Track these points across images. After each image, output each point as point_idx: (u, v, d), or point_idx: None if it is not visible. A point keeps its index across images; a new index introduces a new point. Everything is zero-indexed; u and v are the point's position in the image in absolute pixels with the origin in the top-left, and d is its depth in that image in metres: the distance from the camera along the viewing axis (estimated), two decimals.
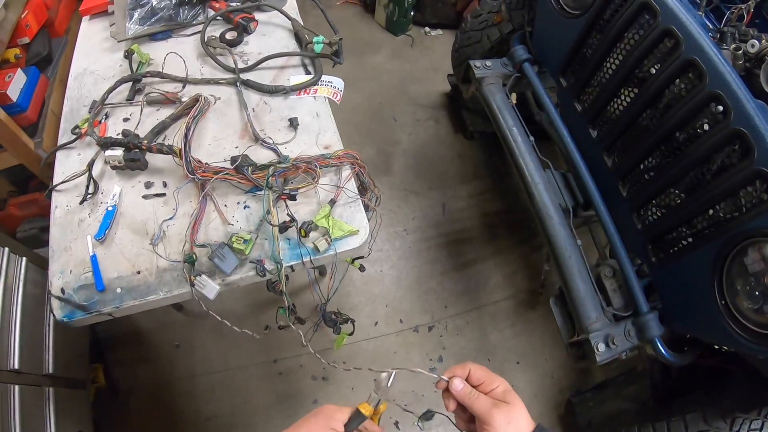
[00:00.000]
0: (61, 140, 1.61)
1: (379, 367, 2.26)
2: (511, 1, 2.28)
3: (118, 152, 1.45)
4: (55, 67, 2.25)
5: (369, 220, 1.46)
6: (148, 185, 1.48)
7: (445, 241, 2.79)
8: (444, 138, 3.16)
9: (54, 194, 1.49)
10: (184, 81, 1.70)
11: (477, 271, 2.74)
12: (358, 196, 1.48)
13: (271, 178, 1.37)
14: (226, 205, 1.44)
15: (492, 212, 2.93)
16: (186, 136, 1.40)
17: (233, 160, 1.43)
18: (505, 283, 2.73)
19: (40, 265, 1.91)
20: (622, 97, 1.73)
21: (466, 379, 0.91)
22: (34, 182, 2.34)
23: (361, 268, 1.51)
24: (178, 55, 1.74)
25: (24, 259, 1.81)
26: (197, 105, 1.50)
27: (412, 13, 3.60)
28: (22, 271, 1.78)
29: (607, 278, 1.75)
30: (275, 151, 1.53)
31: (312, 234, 1.35)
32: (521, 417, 0.86)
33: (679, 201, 1.57)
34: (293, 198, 1.38)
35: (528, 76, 2.08)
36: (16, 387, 1.59)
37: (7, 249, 1.73)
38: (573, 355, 1.76)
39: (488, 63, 2.16)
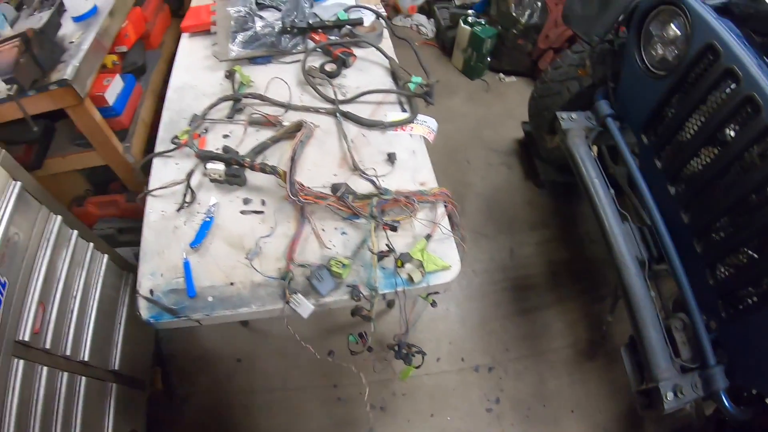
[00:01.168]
0: (159, 148, 1.58)
1: (438, 403, 2.14)
2: (596, 57, 2.20)
3: (220, 166, 1.43)
4: (148, 77, 2.26)
5: None
6: (246, 201, 1.45)
7: (510, 285, 2.67)
8: (515, 184, 3.06)
9: (149, 199, 1.46)
10: (286, 106, 1.67)
11: (539, 317, 2.60)
12: (451, 233, 1.42)
13: (374, 208, 1.33)
14: (323, 230, 1.39)
15: (557, 260, 2.79)
16: (292, 159, 1.36)
17: (335, 188, 1.39)
18: (565, 331, 2.57)
19: (120, 265, 1.89)
20: (703, 157, 1.65)
21: None
22: (114, 184, 2.33)
23: (433, 304, 1.45)
24: (282, 80, 1.72)
25: (106, 256, 1.78)
26: (302, 131, 1.46)
27: (488, 59, 3.55)
28: (103, 268, 1.75)
29: (678, 331, 1.67)
30: (374, 183, 1.47)
31: (407, 265, 1.30)
32: None
33: (753, 260, 1.49)
34: (394, 229, 1.34)
35: (611, 131, 1.99)
36: (83, 378, 1.56)
37: (92, 245, 1.70)
38: (640, 403, 1.69)
39: (574, 116, 2.09)
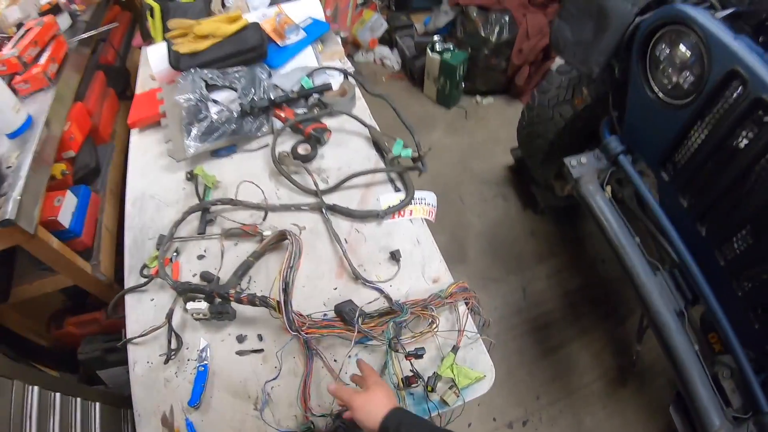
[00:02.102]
0: (129, 280, 1.33)
1: None
2: (594, 85, 1.96)
3: (203, 305, 1.18)
4: (104, 178, 1.94)
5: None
6: (240, 339, 1.20)
7: (529, 327, 2.43)
8: (514, 216, 2.81)
9: (130, 347, 1.21)
10: (263, 208, 1.40)
11: (564, 354, 2.39)
12: (479, 335, 1.23)
13: (391, 334, 1.11)
14: (335, 360, 1.16)
15: (572, 290, 2.56)
16: (285, 290, 1.09)
17: (339, 310, 1.15)
18: (593, 363, 2.37)
19: (115, 403, 1.61)
20: (736, 194, 1.42)
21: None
22: (91, 298, 2.03)
23: None
24: (253, 183, 1.43)
25: (97, 404, 1.50)
26: (289, 249, 1.17)
27: (462, 84, 3.28)
28: (97, 417, 1.47)
29: (725, 379, 1.53)
30: (381, 291, 1.24)
31: (438, 386, 1.12)
32: (377, 399, 0.93)
33: None
34: (420, 356, 1.12)
35: (628, 173, 1.75)
36: None
37: (78, 400, 1.41)
38: None
39: (583, 159, 1.85)
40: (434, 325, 1.17)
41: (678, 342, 1.54)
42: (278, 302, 1.09)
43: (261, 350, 1.18)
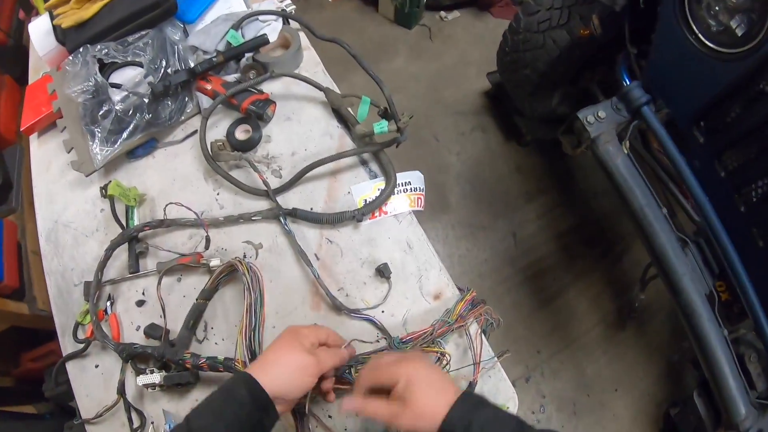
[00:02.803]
0: (63, 342, 1.04)
1: None
2: (609, 14, 1.57)
3: (156, 377, 0.92)
4: (18, 191, 1.56)
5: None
6: None
7: (523, 277, 2.25)
8: (496, 150, 2.49)
9: (89, 427, 0.96)
10: (202, 227, 1.05)
11: (562, 303, 2.25)
12: (496, 359, 0.98)
13: None
14: (330, 416, 0.92)
15: (565, 231, 2.36)
16: (251, 350, 0.87)
17: None
18: (591, 309, 2.26)
19: None
20: None
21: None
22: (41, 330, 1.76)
23: None
24: (183, 205, 1.06)
25: None
26: (249, 287, 0.91)
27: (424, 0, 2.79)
28: None
29: (752, 363, 1.45)
30: (373, 323, 0.97)
31: None
32: (427, 401, 0.68)
33: None
34: None
35: (651, 126, 1.44)
36: None
37: None
38: None
39: (601, 113, 1.49)
40: (444, 363, 0.92)
41: (710, 330, 1.41)
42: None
43: None
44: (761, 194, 1.26)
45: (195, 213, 1.03)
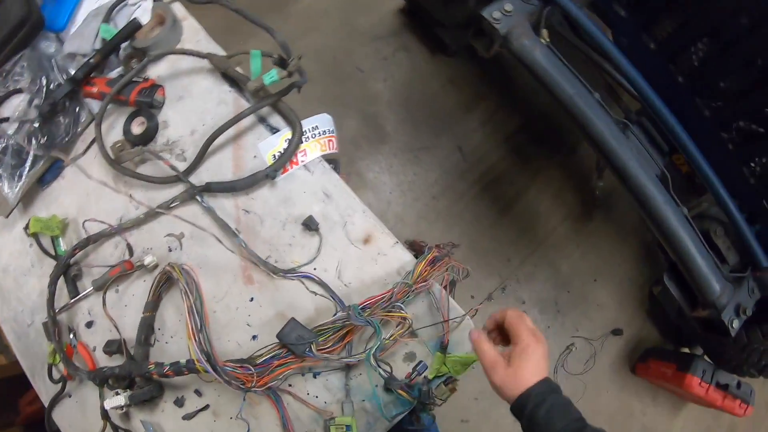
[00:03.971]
0: (40, 388, 1.15)
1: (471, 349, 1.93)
2: None
3: (120, 399, 1.00)
4: None
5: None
6: (179, 402, 1.03)
7: (479, 188, 2.33)
8: (424, 67, 2.50)
9: None
10: (122, 235, 1.12)
11: (523, 205, 2.35)
12: (466, 314, 1.07)
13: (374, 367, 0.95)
14: (290, 385, 1.00)
15: (512, 132, 2.43)
16: (203, 351, 0.91)
17: (282, 340, 0.94)
18: (555, 205, 2.38)
19: None
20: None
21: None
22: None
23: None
24: (98, 221, 1.13)
25: None
26: (187, 291, 0.96)
27: None
28: None
29: (719, 238, 1.53)
30: (312, 279, 1.05)
31: (434, 391, 1.01)
32: (525, 371, 0.83)
33: None
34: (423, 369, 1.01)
35: (565, 8, 1.44)
36: None
37: None
38: (698, 324, 1.66)
39: (507, 7, 1.46)
40: (407, 327, 0.99)
41: (667, 213, 1.45)
42: (201, 367, 0.90)
43: (206, 406, 1.02)
44: (700, 58, 1.31)
45: (108, 224, 1.10)
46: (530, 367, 0.82)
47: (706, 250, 1.46)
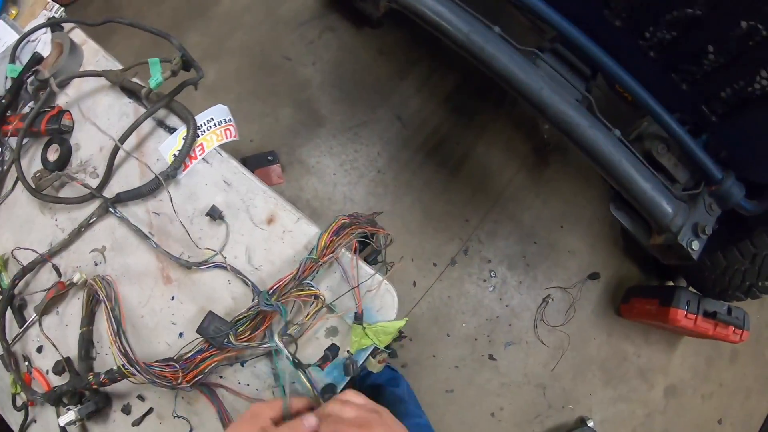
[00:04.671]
0: (9, 419, 1.28)
1: (444, 321, 2.04)
2: None
3: (71, 415, 1.10)
4: None
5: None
6: (126, 409, 1.16)
7: (424, 154, 2.45)
8: (351, 43, 2.62)
9: None
10: (49, 260, 1.27)
11: (474, 163, 2.46)
12: (379, 275, 1.10)
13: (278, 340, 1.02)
14: (240, 383, 1.11)
15: (450, 91, 2.54)
16: (125, 354, 1.01)
17: (202, 333, 1.05)
18: (506, 158, 2.48)
19: None
20: None
21: None
22: None
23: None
24: (27, 249, 1.27)
25: None
26: (104, 306, 1.08)
27: None
28: None
29: (662, 156, 1.48)
30: (223, 268, 1.15)
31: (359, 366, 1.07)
32: None
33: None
34: (335, 356, 1.06)
35: None
36: None
37: None
38: (657, 253, 1.59)
39: None
40: (320, 304, 1.04)
41: (596, 138, 1.42)
42: (128, 371, 0.99)
43: (150, 410, 1.14)
44: None
45: (33, 250, 1.24)
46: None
47: (649, 170, 1.43)
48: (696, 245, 1.44)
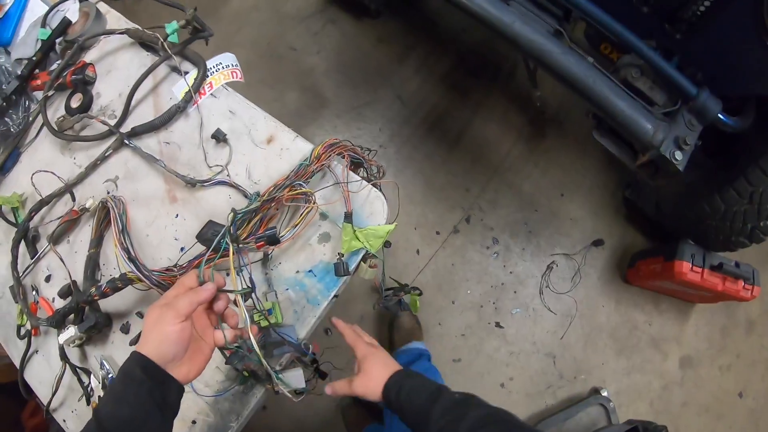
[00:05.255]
0: (12, 353, 1.37)
1: (449, 288, 2.10)
2: None
3: (72, 331, 1.18)
4: None
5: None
6: (124, 328, 1.24)
7: (424, 130, 2.55)
8: (352, 33, 2.79)
9: (54, 414, 1.27)
10: (67, 189, 1.38)
11: (471, 136, 2.54)
12: (368, 183, 1.19)
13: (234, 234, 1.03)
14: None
15: (446, 72, 2.67)
16: (132, 259, 1.10)
17: (202, 238, 1.14)
18: (504, 130, 2.55)
19: None
20: None
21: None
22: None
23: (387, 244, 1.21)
24: (48, 172, 1.38)
25: None
26: (113, 212, 1.19)
27: None
28: None
29: (637, 79, 1.54)
30: (225, 183, 1.27)
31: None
32: (374, 373, 1.07)
33: None
34: (274, 241, 1.06)
35: None
36: None
37: None
38: (646, 175, 1.64)
39: None
40: (311, 203, 1.09)
41: (568, 62, 1.49)
42: (134, 275, 1.06)
43: None
44: None
45: (52, 173, 1.35)
46: (377, 367, 1.07)
47: (625, 91, 1.50)
48: (679, 155, 1.49)
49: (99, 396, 1.17)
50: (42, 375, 1.29)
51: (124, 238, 1.12)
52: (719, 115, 1.49)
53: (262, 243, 1.04)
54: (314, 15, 2.86)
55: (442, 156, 2.49)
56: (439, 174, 2.46)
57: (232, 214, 1.05)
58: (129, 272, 1.07)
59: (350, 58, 2.73)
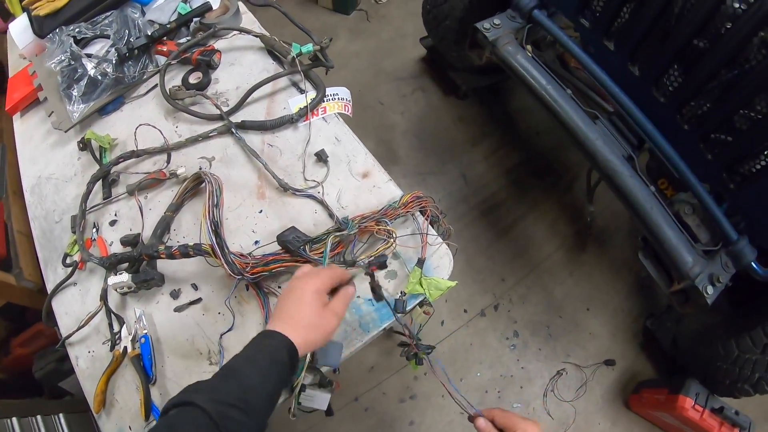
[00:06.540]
0: (48, 277, 1.28)
1: (462, 365, 1.99)
2: None
3: (124, 277, 1.12)
4: (2, 180, 1.82)
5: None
6: (174, 295, 1.17)
7: (478, 212, 2.51)
8: (437, 105, 2.81)
9: (69, 347, 1.18)
10: (166, 150, 1.34)
11: (520, 231, 2.49)
12: (443, 241, 1.21)
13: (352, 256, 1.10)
14: (279, 287, 1.14)
15: (513, 166, 2.64)
16: (217, 233, 1.05)
17: (282, 240, 1.10)
18: (550, 234, 2.50)
19: (80, 410, 1.57)
20: (666, 21, 1.45)
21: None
22: (28, 313, 1.96)
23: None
24: (150, 125, 1.34)
25: (61, 416, 1.49)
26: (211, 186, 1.12)
27: None
28: (64, 429, 1.47)
29: (688, 216, 1.55)
30: (314, 198, 1.23)
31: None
32: None
33: (756, 121, 1.35)
34: (383, 266, 1.08)
35: (542, 23, 1.73)
36: None
37: (39, 417, 1.40)
38: (676, 302, 1.60)
39: (496, 21, 1.79)
40: (391, 240, 1.11)
41: (634, 186, 1.54)
42: (212, 247, 1.03)
43: (199, 300, 1.15)
44: (653, 50, 1.49)
45: (159, 129, 1.32)
46: None
47: (675, 222, 1.52)
48: (711, 290, 1.48)
49: (126, 346, 1.11)
50: (72, 307, 1.22)
51: (216, 213, 1.08)
52: (752, 263, 1.50)
53: (375, 267, 1.05)
54: (408, 79, 2.90)
55: (488, 241, 2.45)
56: (480, 257, 2.41)
57: (332, 236, 1.10)
58: (207, 244, 1.04)
59: (429, 127, 2.73)
